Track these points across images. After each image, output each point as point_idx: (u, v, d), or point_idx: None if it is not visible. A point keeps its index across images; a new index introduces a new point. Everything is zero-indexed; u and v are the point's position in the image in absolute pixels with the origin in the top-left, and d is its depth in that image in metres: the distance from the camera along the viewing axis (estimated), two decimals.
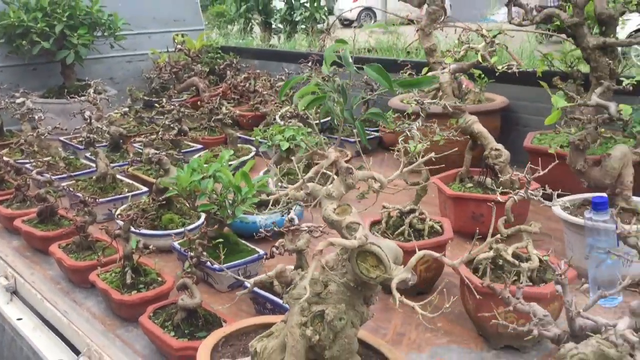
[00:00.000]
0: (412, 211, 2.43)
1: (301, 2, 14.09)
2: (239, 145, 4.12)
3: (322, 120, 4.46)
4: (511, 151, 2.98)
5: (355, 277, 1.61)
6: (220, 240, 2.24)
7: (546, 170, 2.01)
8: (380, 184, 1.58)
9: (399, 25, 10.76)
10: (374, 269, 1.53)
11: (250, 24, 14.99)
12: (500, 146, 2.92)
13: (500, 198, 2.17)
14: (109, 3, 5.37)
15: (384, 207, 2.49)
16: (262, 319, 2.01)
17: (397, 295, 1.45)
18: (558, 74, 3.43)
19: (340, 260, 1.68)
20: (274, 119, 4.35)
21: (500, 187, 2.52)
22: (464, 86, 3.91)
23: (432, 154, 1.78)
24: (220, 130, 4.29)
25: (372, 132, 4.47)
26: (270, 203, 1.38)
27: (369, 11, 21.36)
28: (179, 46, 5.37)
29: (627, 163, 2.37)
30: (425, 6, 3.93)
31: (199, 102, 4.85)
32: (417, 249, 1.55)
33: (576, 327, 1.25)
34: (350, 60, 1.34)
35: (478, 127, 2.98)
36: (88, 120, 3.32)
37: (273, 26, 14.82)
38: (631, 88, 2.32)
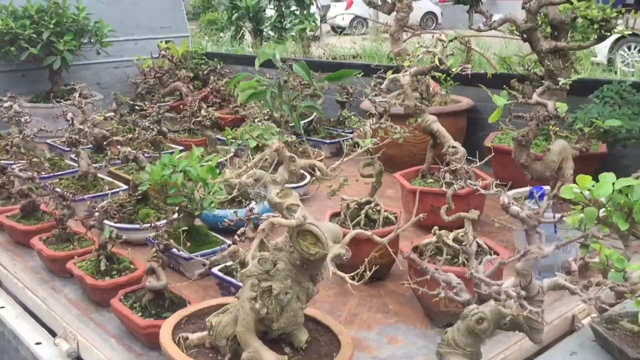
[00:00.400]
0: (368, 203, 2.61)
1: (291, 9, 14.31)
2: (217, 146, 4.29)
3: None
4: (477, 150, 3.18)
5: (300, 255, 1.78)
6: (185, 228, 2.40)
7: (483, 162, 2.19)
8: (320, 172, 1.76)
9: (382, 33, 10.99)
10: (313, 246, 1.71)
11: (242, 31, 15.19)
12: (457, 144, 3.10)
13: (445, 189, 2.35)
14: (97, 10, 5.56)
15: (342, 199, 2.67)
16: (222, 299, 2.17)
17: (331, 267, 1.62)
18: (516, 76, 3.61)
19: (288, 242, 1.85)
20: (253, 121, 4.52)
21: (445, 179, 2.69)
22: (431, 89, 4.11)
23: (368, 146, 1.95)
24: (202, 132, 4.46)
25: (348, 134, 4.66)
26: (215, 184, 1.54)
27: (361, 19, 21.57)
28: (162, 52, 5.55)
29: (567, 157, 2.56)
30: (395, 13, 4.13)
31: (181, 106, 5.04)
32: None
33: (482, 292, 1.42)
34: (279, 60, 1.52)
35: (437, 126, 3.17)
36: (70, 122, 3.49)
37: (264, 33, 15.01)
38: (568, 87, 2.51)
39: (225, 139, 3.42)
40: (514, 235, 2.74)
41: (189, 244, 2.27)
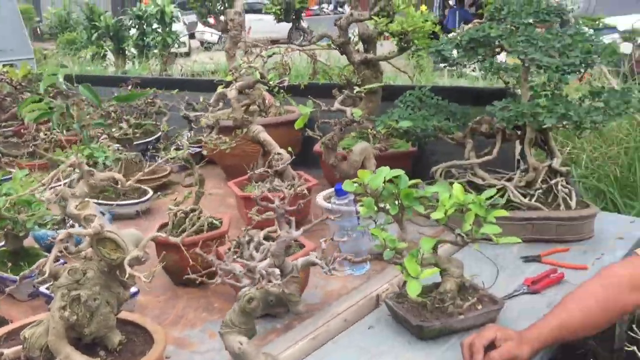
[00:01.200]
0: (193, 210, 2.78)
1: (153, 27, 14.21)
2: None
3: (144, 140, 4.72)
4: (312, 156, 3.50)
5: (107, 263, 1.92)
6: (5, 249, 2.44)
7: (287, 163, 2.44)
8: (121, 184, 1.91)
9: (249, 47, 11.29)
10: (114, 251, 1.85)
11: (103, 50, 14.85)
12: (282, 151, 3.35)
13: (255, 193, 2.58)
14: None
15: (170, 209, 2.82)
16: (43, 315, 2.24)
17: (128, 269, 1.77)
18: (337, 86, 3.95)
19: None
20: (97, 141, 4.54)
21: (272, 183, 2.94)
22: (267, 101, 4.37)
23: (181, 156, 2.13)
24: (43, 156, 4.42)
25: (196, 148, 4.79)
26: (39, 205, 1.66)
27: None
28: (0, 76, 5.39)
29: (369, 156, 2.88)
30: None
31: (22, 130, 4.93)
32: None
33: (256, 278, 1.64)
34: (63, 82, 1.66)
35: (263, 135, 3.41)
36: None
37: (127, 52, 14.75)
38: (363, 94, 2.84)
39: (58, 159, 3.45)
40: (330, 228, 3.03)
41: (10, 264, 2.32)
